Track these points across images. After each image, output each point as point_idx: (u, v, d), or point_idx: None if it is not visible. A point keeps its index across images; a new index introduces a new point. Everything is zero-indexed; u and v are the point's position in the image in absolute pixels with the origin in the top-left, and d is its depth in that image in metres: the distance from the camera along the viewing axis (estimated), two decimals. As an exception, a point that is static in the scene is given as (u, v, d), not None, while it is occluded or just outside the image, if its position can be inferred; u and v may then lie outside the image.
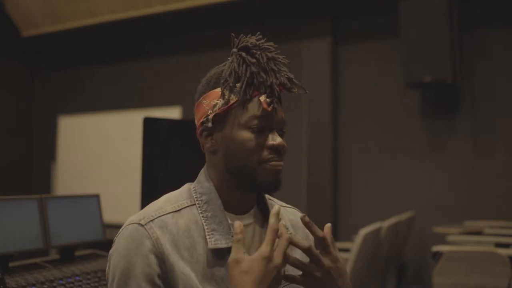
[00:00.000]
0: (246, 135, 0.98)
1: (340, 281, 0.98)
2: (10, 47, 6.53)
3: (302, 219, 0.98)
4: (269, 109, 0.98)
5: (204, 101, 1.03)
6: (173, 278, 0.94)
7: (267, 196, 1.12)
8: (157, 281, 0.93)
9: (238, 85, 0.99)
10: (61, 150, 6.61)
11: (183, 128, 2.33)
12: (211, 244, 0.97)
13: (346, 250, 3.56)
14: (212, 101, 1.01)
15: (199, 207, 1.02)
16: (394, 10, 4.34)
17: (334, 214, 4.79)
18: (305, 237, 1.15)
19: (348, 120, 4.92)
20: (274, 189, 1.00)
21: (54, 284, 1.62)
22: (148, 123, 2.19)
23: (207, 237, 0.98)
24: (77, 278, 1.70)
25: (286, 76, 1.02)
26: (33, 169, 6.76)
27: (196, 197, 1.03)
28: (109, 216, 2.81)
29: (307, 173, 4.91)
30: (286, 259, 0.97)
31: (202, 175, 1.06)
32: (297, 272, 1.08)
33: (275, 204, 1.14)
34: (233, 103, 0.99)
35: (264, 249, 0.89)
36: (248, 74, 0.98)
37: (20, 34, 6.38)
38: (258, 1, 5.16)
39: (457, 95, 4.46)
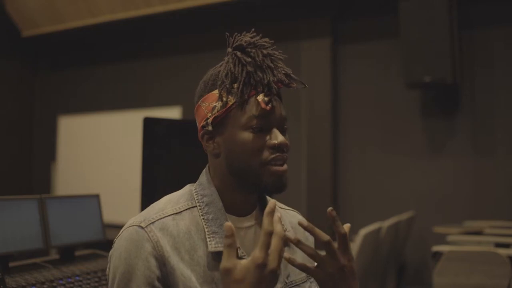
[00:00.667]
0: (247, 136, 0.97)
1: (351, 280, 0.96)
2: (10, 47, 6.53)
3: (300, 224, 0.96)
4: (268, 107, 0.97)
5: (203, 104, 1.01)
6: (173, 281, 0.93)
7: (268, 198, 1.11)
8: (157, 284, 0.93)
9: (235, 85, 0.97)
10: (61, 150, 6.61)
11: (183, 128, 2.32)
12: (211, 247, 0.96)
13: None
14: (211, 103, 1.00)
15: (200, 209, 1.01)
16: (394, 10, 4.34)
17: (334, 214, 4.78)
18: (304, 240, 1.13)
19: (348, 120, 4.92)
20: (278, 191, 0.99)
21: (54, 284, 1.62)
22: (148, 123, 2.18)
23: (208, 240, 0.97)
24: (77, 278, 1.70)
25: (283, 72, 1.00)
26: (33, 169, 6.76)
27: (197, 199, 1.02)
28: (109, 216, 2.81)
29: (307, 173, 4.91)
30: (291, 261, 0.95)
31: (203, 177, 1.05)
32: (299, 274, 1.08)
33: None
34: (231, 104, 0.98)
35: (258, 254, 0.83)
36: (244, 74, 0.97)
37: (20, 34, 6.38)
38: (258, 1, 5.15)
39: (457, 95, 4.46)
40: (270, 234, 0.84)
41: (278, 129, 0.99)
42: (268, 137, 0.98)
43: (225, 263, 0.84)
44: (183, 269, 0.94)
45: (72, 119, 6.58)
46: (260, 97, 0.97)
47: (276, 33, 5.98)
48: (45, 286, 1.59)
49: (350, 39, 4.96)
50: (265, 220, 0.85)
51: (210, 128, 0.99)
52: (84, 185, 6.02)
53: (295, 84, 1.01)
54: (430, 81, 4.13)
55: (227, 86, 0.97)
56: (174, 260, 0.94)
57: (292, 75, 1.01)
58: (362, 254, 3.06)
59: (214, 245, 0.97)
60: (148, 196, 2.06)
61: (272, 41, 1.02)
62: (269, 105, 0.97)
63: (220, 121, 0.99)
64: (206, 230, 0.98)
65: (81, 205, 1.98)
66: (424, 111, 4.60)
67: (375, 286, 3.60)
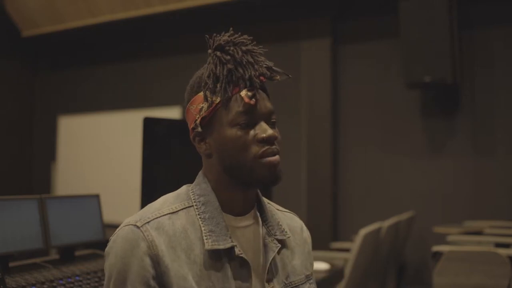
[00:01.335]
0: (234, 132, 0.98)
1: None
2: (10, 47, 6.53)
3: None
4: (252, 102, 0.97)
5: (191, 106, 1.03)
6: (168, 281, 0.93)
7: (266, 200, 1.11)
8: (152, 283, 0.93)
9: (218, 85, 0.98)
10: (61, 150, 6.61)
11: (183, 128, 2.31)
12: (208, 245, 0.96)
13: (346, 250, 3.57)
14: (198, 105, 1.01)
15: (196, 208, 1.01)
16: (394, 10, 4.34)
17: (334, 214, 4.79)
18: (302, 242, 1.14)
19: (348, 120, 4.92)
20: (272, 183, 0.99)
21: (54, 284, 1.62)
22: (148, 123, 2.18)
23: (204, 238, 0.97)
24: (77, 278, 1.70)
25: (265, 65, 1.00)
26: (33, 169, 6.76)
27: (194, 199, 1.02)
28: (109, 216, 2.80)
29: (307, 173, 4.91)
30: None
31: (200, 177, 1.06)
32: (297, 275, 1.08)
33: (273, 209, 1.14)
34: (217, 104, 0.99)
35: None
36: (225, 72, 0.98)
37: (20, 34, 6.38)
38: (258, 1, 5.15)
39: (457, 95, 4.46)
40: None
41: (266, 122, 1.00)
42: (255, 131, 0.99)
43: None
44: (178, 269, 0.94)
45: (72, 119, 6.58)
46: (243, 93, 0.98)
47: (276, 33, 5.98)
48: (45, 286, 1.59)
49: (350, 39, 4.96)
50: None
51: (199, 129, 1.01)
52: (84, 185, 6.02)
53: (278, 77, 1.02)
54: (430, 81, 4.13)
55: (211, 86, 0.99)
56: (169, 259, 0.94)
57: (274, 67, 1.01)
58: (362, 254, 3.06)
59: (211, 243, 0.97)
60: (148, 196, 2.06)
61: (251, 38, 1.02)
62: (253, 99, 0.98)
63: (208, 122, 1.00)
64: (202, 228, 0.98)
65: (81, 205, 1.98)
66: (424, 111, 4.60)
67: (375, 286, 3.60)
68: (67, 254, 1.89)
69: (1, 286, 1.47)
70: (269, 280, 1.02)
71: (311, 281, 1.12)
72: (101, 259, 1.93)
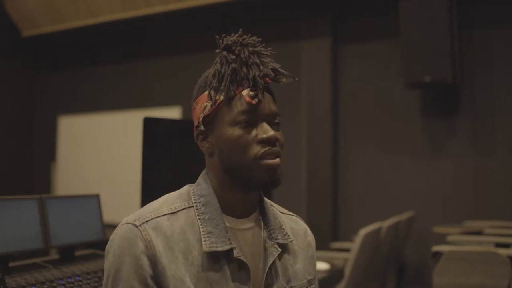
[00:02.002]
0: (236, 132, 0.97)
1: None
2: (10, 47, 6.53)
3: None
4: (254, 102, 0.97)
5: (197, 105, 1.03)
6: (164, 282, 0.93)
7: (269, 202, 1.11)
8: (150, 282, 0.93)
9: (222, 84, 0.98)
10: (61, 150, 6.61)
11: (183, 128, 2.32)
12: (206, 247, 0.96)
13: (346, 250, 3.56)
14: (203, 104, 1.01)
15: (196, 209, 1.00)
16: (394, 10, 4.34)
17: (334, 214, 4.79)
18: (306, 246, 1.13)
19: (348, 120, 4.92)
20: (271, 186, 0.98)
21: (54, 284, 1.62)
22: (148, 123, 2.18)
23: (203, 240, 0.96)
24: (77, 278, 1.70)
25: (270, 67, 1.00)
26: (33, 169, 6.76)
27: (194, 199, 1.02)
28: (109, 216, 2.80)
29: (307, 173, 4.91)
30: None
31: (201, 178, 1.05)
32: (299, 280, 1.07)
33: (277, 212, 1.13)
34: (220, 102, 0.99)
35: None
36: (229, 71, 0.97)
37: (20, 34, 6.38)
38: (258, 1, 5.16)
39: (457, 95, 4.46)
40: None
41: (268, 123, 0.99)
42: (257, 131, 0.98)
43: None
44: (175, 270, 0.94)
45: (72, 119, 6.58)
46: (245, 92, 0.98)
47: (276, 33, 5.98)
48: (45, 286, 1.59)
49: (350, 39, 4.96)
50: None
51: (202, 127, 1.01)
52: (84, 185, 6.02)
53: (284, 79, 1.01)
54: (430, 81, 4.13)
55: (215, 85, 0.99)
56: (166, 260, 0.94)
57: (280, 69, 1.01)
58: (362, 254, 3.06)
59: (209, 245, 0.96)
60: (148, 196, 2.06)
61: (260, 39, 1.02)
62: (255, 99, 0.97)
63: (211, 120, 1.01)
64: (201, 230, 0.98)
65: (81, 205, 1.98)
66: (424, 111, 4.60)
67: (375, 286, 3.60)
68: (67, 254, 1.89)
69: (1, 286, 1.47)
70: (268, 285, 1.01)
71: (313, 286, 1.11)
72: (101, 259, 1.93)
